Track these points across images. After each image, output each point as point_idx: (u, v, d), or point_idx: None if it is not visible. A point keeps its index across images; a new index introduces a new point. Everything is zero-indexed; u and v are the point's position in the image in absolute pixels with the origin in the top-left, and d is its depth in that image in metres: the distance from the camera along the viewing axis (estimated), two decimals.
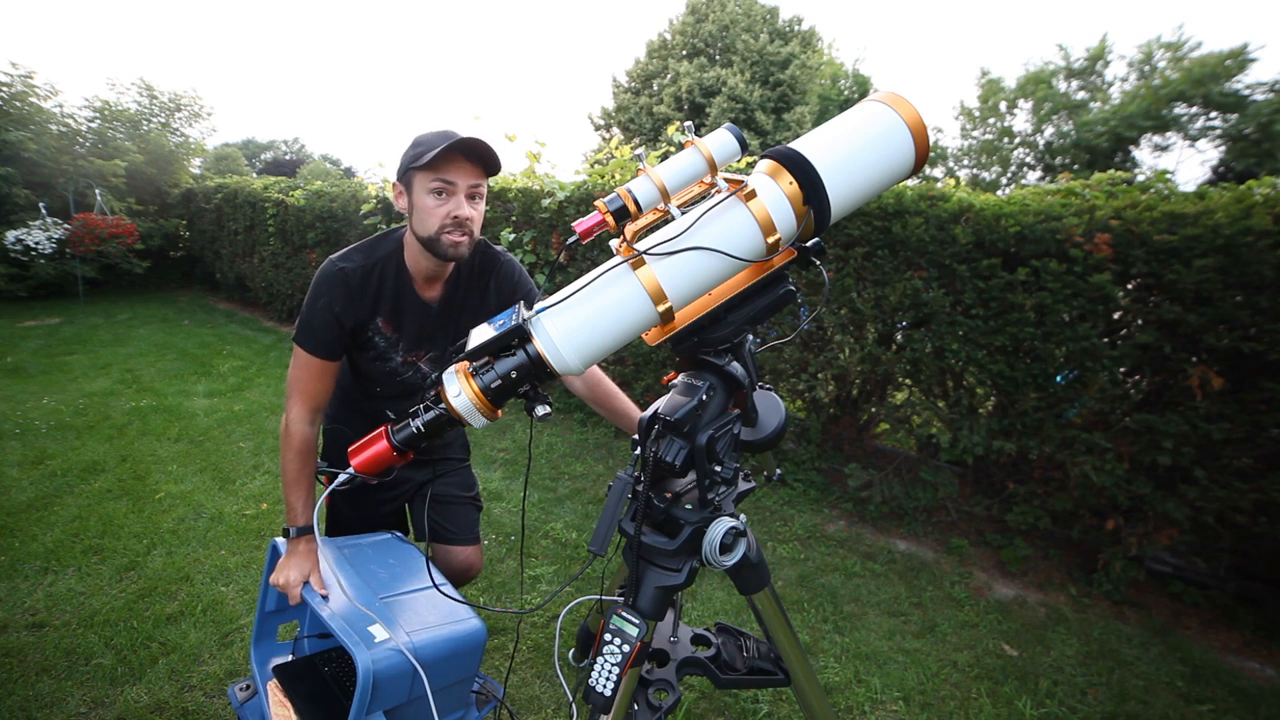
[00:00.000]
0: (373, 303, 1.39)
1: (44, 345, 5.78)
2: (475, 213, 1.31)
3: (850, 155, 0.93)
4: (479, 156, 1.27)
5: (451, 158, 1.25)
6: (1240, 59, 14.01)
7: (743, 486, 1.11)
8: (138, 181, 8.77)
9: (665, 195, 0.87)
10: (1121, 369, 2.53)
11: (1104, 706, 2.03)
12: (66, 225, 7.47)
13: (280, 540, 1.39)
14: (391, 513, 1.72)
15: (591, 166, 4.08)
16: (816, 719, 1.17)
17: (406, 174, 1.29)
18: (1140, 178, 2.64)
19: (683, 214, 0.89)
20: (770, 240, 0.89)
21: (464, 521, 1.70)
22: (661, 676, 1.19)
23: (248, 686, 1.50)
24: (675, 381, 1.05)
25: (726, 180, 0.91)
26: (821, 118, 18.98)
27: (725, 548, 0.99)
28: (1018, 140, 19.56)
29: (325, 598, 1.27)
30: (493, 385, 0.88)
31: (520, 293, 1.50)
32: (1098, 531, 2.59)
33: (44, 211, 7.53)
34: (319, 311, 1.34)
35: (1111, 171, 2.75)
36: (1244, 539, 2.40)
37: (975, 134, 20.75)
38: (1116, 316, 2.54)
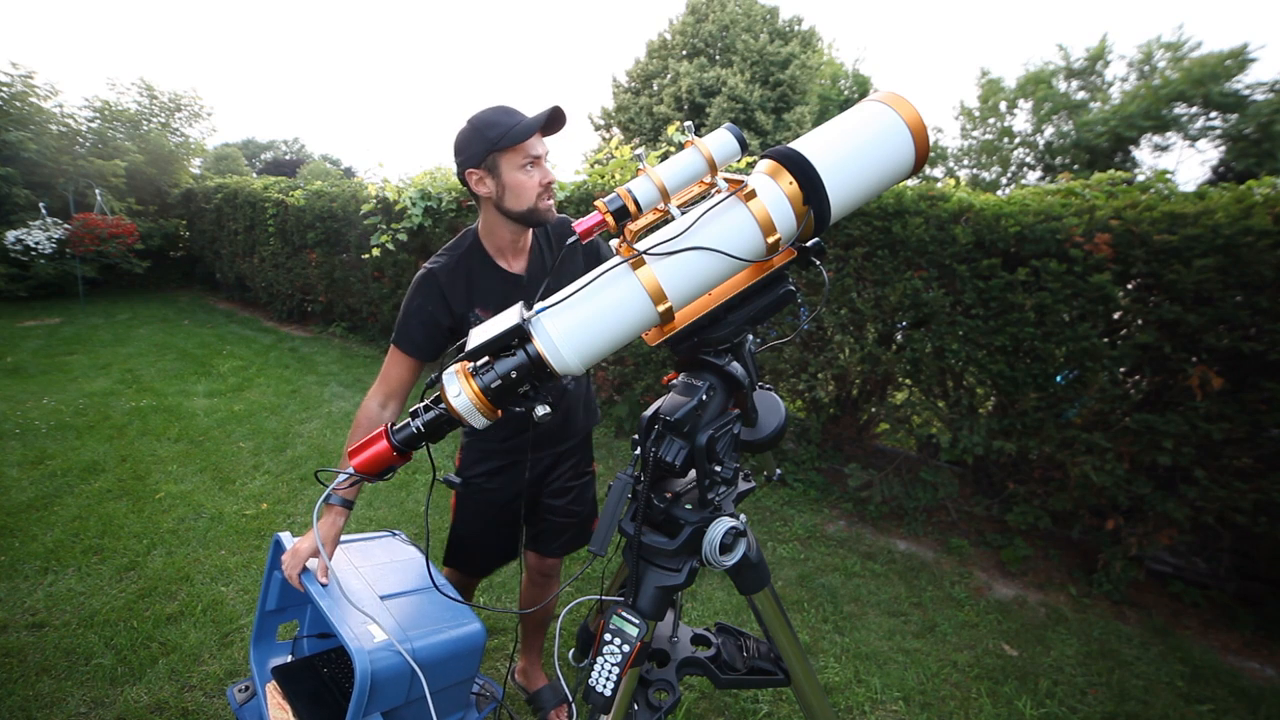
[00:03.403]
0: (466, 293, 1.44)
1: (44, 345, 5.78)
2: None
3: (850, 155, 0.93)
4: (555, 123, 1.33)
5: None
6: (1240, 59, 14.01)
7: (743, 486, 1.11)
8: (138, 181, 8.77)
9: (665, 195, 0.86)
10: (1121, 369, 2.53)
11: (1104, 706, 2.03)
12: (66, 225, 7.47)
13: (284, 534, 1.39)
14: (508, 532, 1.69)
15: (591, 166, 4.08)
16: (816, 719, 1.17)
17: (487, 157, 1.32)
18: (1140, 178, 2.64)
19: (683, 214, 0.89)
20: (770, 240, 0.89)
21: (565, 541, 1.75)
22: (661, 676, 1.19)
23: (246, 688, 1.50)
24: (675, 381, 1.05)
25: (726, 180, 0.91)
26: (821, 118, 18.98)
27: (725, 548, 0.98)
28: (1018, 140, 19.56)
29: (325, 586, 1.27)
30: (493, 385, 0.88)
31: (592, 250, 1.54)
32: (1098, 531, 2.59)
33: (44, 211, 7.53)
34: (413, 314, 1.42)
35: (1111, 171, 2.75)
36: (1244, 539, 2.40)
37: (975, 134, 20.75)
38: (1116, 316, 2.54)
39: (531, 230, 1.46)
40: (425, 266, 1.45)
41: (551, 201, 1.38)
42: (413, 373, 1.45)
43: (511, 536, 1.69)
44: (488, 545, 1.69)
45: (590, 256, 1.53)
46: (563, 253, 1.10)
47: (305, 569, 1.29)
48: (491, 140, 1.29)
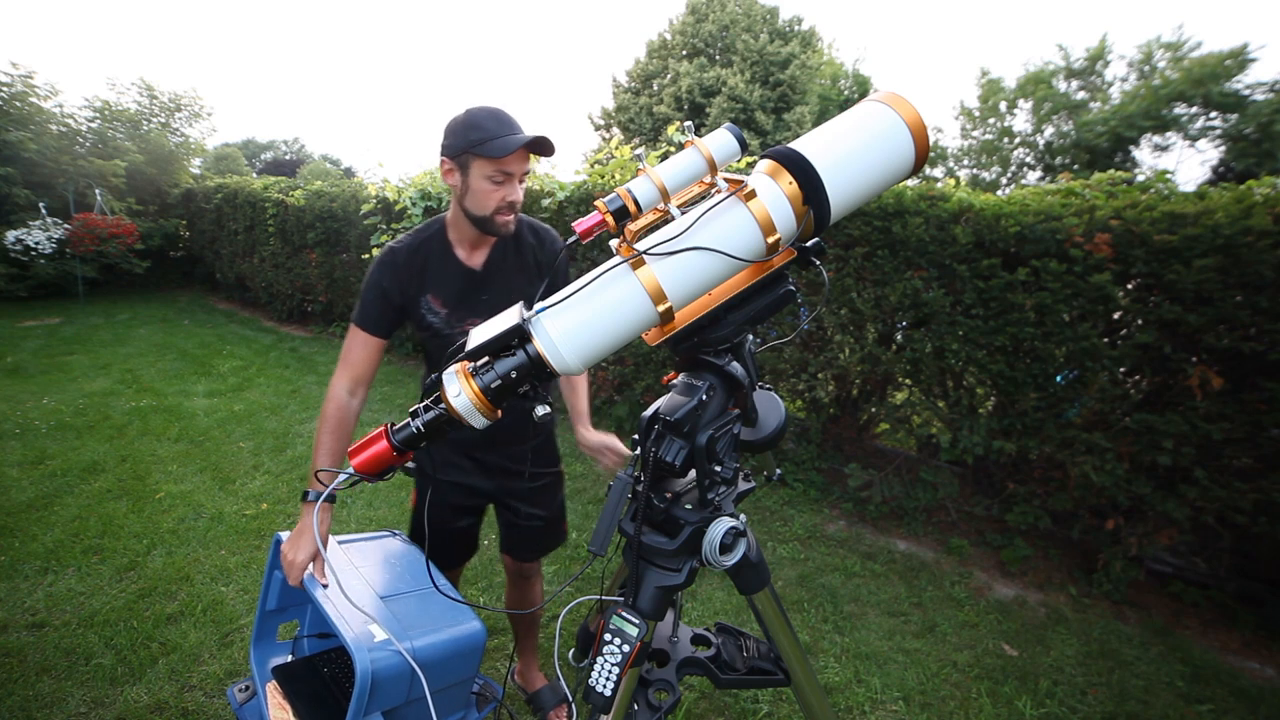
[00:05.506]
0: (419, 276, 1.45)
1: (44, 345, 5.78)
2: (522, 192, 1.38)
3: (850, 155, 0.92)
4: (539, 148, 1.32)
5: (515, 150, 1.29)
6: (1240, 59, 14.02)
7: (743, 486, 1.10)
8: (138, 181, 8.77)
9: (665, 195, 0.86)
10: (1121, 369, 2.53)
11: (1104, 706, 2.03)
12: (66, 225, 7.48)
13: (284, 534, 1.39)
14: (467, 527, 1.70)
15: (591, 166, 4.08)
16: (816, 719, 1.17)
17: (462, 155, 1.32)
18: (1140, 178, 2.64)
19: (683, 214, 0.89)
20: (770, 240, 0.89)
21: (533, 545, 1.77)
22: (661, 676, 1.19)
23: (247, 688, 1.50)
24: (675, 381, 1.04)
25: (726, 180, 0.91)
26: (821, 118, 18.97)
27: (725, 548, 0.98)
28: (1018, 140, 19.56)
29: (325, 587, 1.27)
30: (493, 385, 0.88)
31: (553, 262, 1.54)
32: (1098, 531, 2.59)
33: (44, 211, 7.53)
34: (370, 288, 1.44)
35: (1111, 171, 2.75)
36: (1244, 539, 2.40)
37: (975, 134, 20.75)
38: (1116, 316, 2.54)
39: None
40: (388, 246, 1.47)
41: (511, 218, 1.38)
42: (372, 352, 1.46)
43: (465, 533, 1.69)
44: (441, 539, 1.68)
45: (545, 270, 1.52)
46: (560, 256, 1.11)
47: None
48: (471, 142, 1.29)
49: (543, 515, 1.73)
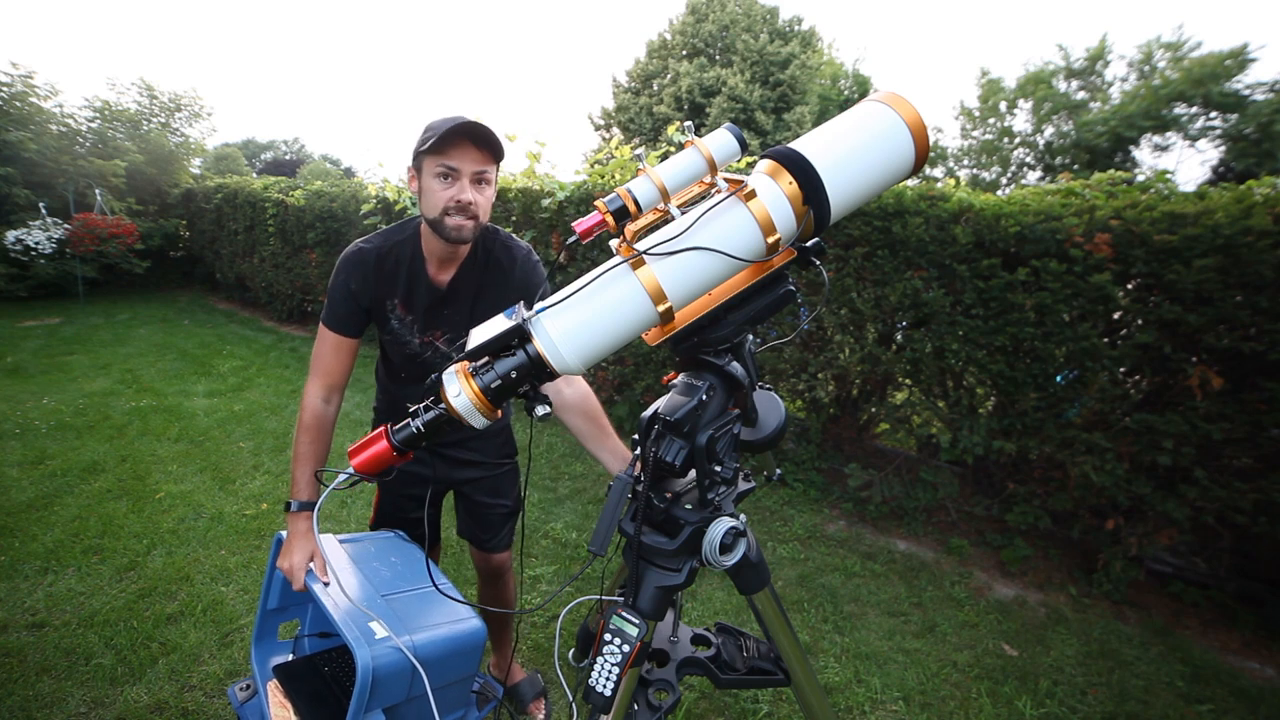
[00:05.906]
0: (389, 283, 1.44)
1: (44, 345, 5.78)
2: (480, 198, 1.34)
3: (850, 155, 0.93)
4: (484, 142, 1.30)
5: (457, 144, 1.28)
6: (1240, 59, 14.02)
7: (743, 486, 1.11)
8: (138, 181, 8.77)
9: (665, 195, 0.86)
10: (1121, 369, 2.53)
11: (1104, 706, 2.03)
12: (66, 225, 7.47)
13: (284, 533, 1.39)
14: (419, 519, 1.69)
15: (591, 166, 4.08)
16: (816, 719, 1.17)
17: (417, 158, 1.33)
18: (1140, 178, 2.64)
19: (683, 214, 0.89)
20: (770, 240, 0.89)
21: (494, 529, 1.73)
22: (661, 676, 1.19)
23: (248, 686, 1.50)
24: (675, 381, 1.05)
25: (726, 180, 0.91)
26: (821, 118, 18.97)
27: (725, 548, 0.98)
28: (1018, 140, 19.56)
29: (327, 584, 1.27)
30: (493, 385, 0.88)
31: (535, 290, 1.52)
32: (1098, 531, 2.59)
33: (44, 211, 7.53)
34: (337, 288, 1.42)
35: (1111, 171, 2.75)
36: (1244, 539, 2.40)
37: (975, 134, 20.76)
38: (1116, 316, 2.54)
39: (470, 246, 1.43)
40: (357, 245, 1.44)
41: (465, 223, 1.32)
42: (344, 354, 1.44)
43: (422, 523, 1.67)
44: (400, 528, 1.66)
45: (528, 291, 1.50)
46: (563, 249, 1.11)
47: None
48: (420, 141, 1.31)
49: (507, 505, 1.73)
